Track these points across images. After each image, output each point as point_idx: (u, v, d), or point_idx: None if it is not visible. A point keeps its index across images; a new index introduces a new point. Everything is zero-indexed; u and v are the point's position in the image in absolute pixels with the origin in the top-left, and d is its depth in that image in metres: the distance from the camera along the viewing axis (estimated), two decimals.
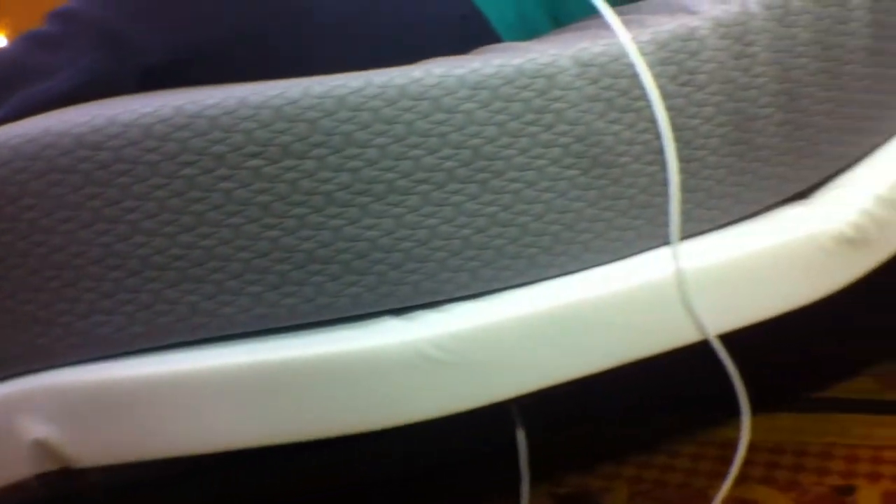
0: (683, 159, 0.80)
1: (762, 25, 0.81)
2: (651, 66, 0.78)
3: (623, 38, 0.78)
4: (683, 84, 0.79)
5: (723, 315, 0.81)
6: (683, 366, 0.88)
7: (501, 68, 0.76)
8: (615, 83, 0.78)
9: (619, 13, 0.87)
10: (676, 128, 0.79)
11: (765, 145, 0.82)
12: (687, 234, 0.82)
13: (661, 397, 1.17)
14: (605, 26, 0.80)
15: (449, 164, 0.75)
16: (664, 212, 0.80)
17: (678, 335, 0.81)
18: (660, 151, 0.79)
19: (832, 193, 0.85)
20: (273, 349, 0.76)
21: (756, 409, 1.01)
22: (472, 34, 0.95)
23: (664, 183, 0.80)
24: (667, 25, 0.79)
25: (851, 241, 0.83)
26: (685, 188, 0.81)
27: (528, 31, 0.97)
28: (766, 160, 0.83)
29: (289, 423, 0.77)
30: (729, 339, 0.83)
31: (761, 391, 1.09)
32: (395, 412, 0.78)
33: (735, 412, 0.86)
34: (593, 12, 0.83)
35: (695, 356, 0.82)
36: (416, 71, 0.75)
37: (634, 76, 0.78)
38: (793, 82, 0.82)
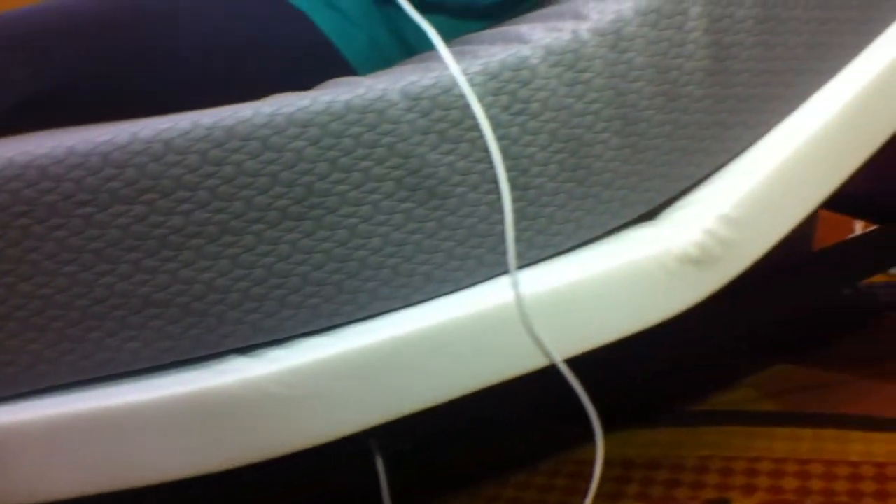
0: (520, 187, 0.81)
1: (594, 52, 0.82)
2: (482, 96, 0.79)
3: (453, 68, 0.78)
4: (517, 113, 0.80)
5: (569, 339, 0.82)
6: (558, 383, 0.89)
7: (330, 105, 0.76)
8: (447, 115, 0.78)
9: (461, 44, 0.89)
10: (511, 156, 0.80)
11: (604, 169, 0.83)
12: (530, 261, 0.83)
13: (535, 416, 1.18)
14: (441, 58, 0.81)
15: (281, 202, 0.76)
16: (505, 240, 0.81)
17: (526, 361, 0.82)
18: (496, 180, 0.80)
19: (677, 214, 0.86)
20: (121, 393, 0.76)
21: (634, 424, 1.02)
22: (321, 64, 0.95)
23: (503, 211, 0.81)
24: (498, 55, 0.80)
25: (696, 261, 0.84)
26: (525, 216, 0.81)
27: (381, 60, 0.97)
28: (608, 184, 0.84)
29: (140, 466, 0.77)
30: (600, 356, 0.84)
31: (639, 406, 1.10)
32: (247, 450, 0.79)
33: (612, 428, 0.87)
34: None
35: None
36: (245, 110, 0.76)
37: (466, 107, 0.79)
38: (628, 107, 0.83)
